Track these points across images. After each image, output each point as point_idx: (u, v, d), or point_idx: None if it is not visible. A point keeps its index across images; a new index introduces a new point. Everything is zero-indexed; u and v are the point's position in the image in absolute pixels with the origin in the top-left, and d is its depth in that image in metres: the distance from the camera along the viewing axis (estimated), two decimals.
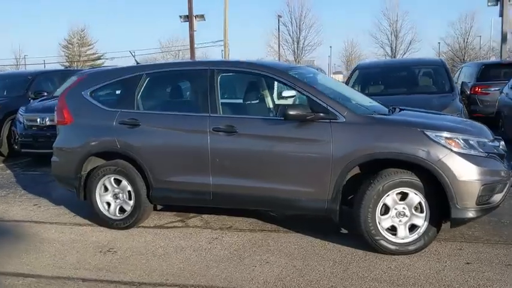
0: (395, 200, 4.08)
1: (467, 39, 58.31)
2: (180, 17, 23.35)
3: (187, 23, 22.95)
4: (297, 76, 4.59)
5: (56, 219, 5.51)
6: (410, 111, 4.80)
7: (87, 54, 61.52)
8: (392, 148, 4.02)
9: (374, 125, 4.19)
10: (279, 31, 51.49)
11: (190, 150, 4.66)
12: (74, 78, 7.73)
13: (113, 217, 5.06)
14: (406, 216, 4.09)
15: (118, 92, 5.27)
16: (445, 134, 4.00)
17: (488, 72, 12.15)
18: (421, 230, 4.09)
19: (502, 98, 10.26)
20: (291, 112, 4.20)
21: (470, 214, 3.95)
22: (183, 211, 5.51)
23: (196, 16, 23.01)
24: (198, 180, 4.65)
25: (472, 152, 4.00)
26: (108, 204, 5.06)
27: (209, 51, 60.04)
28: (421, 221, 4.08)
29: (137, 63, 5.65)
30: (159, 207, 5.50)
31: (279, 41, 52.38)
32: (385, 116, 4.45)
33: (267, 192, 4.44)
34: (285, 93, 6.46)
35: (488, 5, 19.06)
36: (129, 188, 4.95)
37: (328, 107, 4.25)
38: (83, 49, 60.97)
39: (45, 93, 9.89)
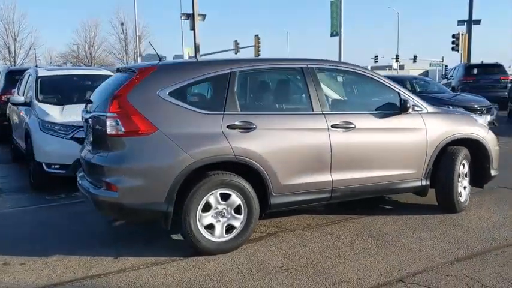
0: (462, 170, 5.35)
1: (93, 46, 60.68)
2: None
3: None
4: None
5: (105, 268, 4.04)
6: None
7: None
8: (467, 130, 5.28)
9: (448, 115, 5.34)
10: None
11: (313, 149, 4.54)
12: None
13: (218, 240, 4.24)
14: (464, 180, 5.42)
15: (207, 91, 4.35)
16: (479, 117, 5.58)
17: None
18: (467, 191, 5.51)
19: None
20: (409, 105, 4.85)
21: (496, 173, 5.64)
22: None
23: None
24: (320, 179, 4.58)
25: None
26: (209, 226, 4.21)
27: None
28: (466, 183, 5.50)
29: (159, 57, 4.72)
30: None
31: None
32: (451, 108, 5.63)
33: (379, 180, 4.88)
34: None
35: (182, 19, 21.37)
36: (239, 201, 4.29)
37: (415, 101, 5.09)
38: None
39: None
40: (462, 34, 28.06)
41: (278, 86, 4.99)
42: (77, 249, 4.45)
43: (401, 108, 4.86)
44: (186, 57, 39.65)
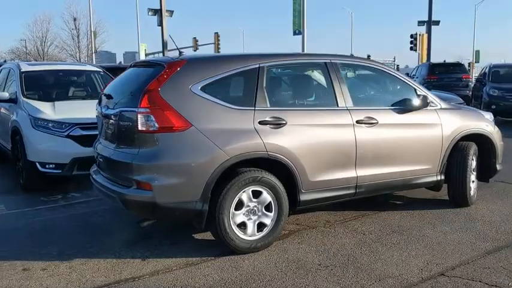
0: (473, 164, 5.47)
1: (45, 42, 58.26)
2: None
3: None
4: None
5: (136, 271, 3.87)
6: None
7: None
8: (477, 126, 5.41)
9: (459, 110, 5.44)
10: None
11: (339, 145, 4.51)
12: None
13: (250, 238, 4.16)
14: (472, 175, 5.54)
15: (237, 86, 4.22)
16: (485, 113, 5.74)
17: None
18: (474, 185, 5.64)
19: None
20: (428, 101, 4.91)
21: (501, 168, 5.81)
22: None
23: None
24: (345, 175, 4.57)
25: None
26: (240, 224, 4.11)
27: None
28: (474, 178, 5.63)
29: (179, 52, 4.58)
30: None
31: None
32: (460, 105, 5.72)
33: (400, 175, 4.92)
34: None
35: (149, 15, 20.90)
36: (270, 198, 4.21)
37: (430, 97, 5.16)
38: None
39: None
40: (420, 34, 28.93)
41: (304, 81, 4.92)
42: (96, 252, 4.25)
43: (421, 104, 4.92)
44: (142, 53, 38.54)
